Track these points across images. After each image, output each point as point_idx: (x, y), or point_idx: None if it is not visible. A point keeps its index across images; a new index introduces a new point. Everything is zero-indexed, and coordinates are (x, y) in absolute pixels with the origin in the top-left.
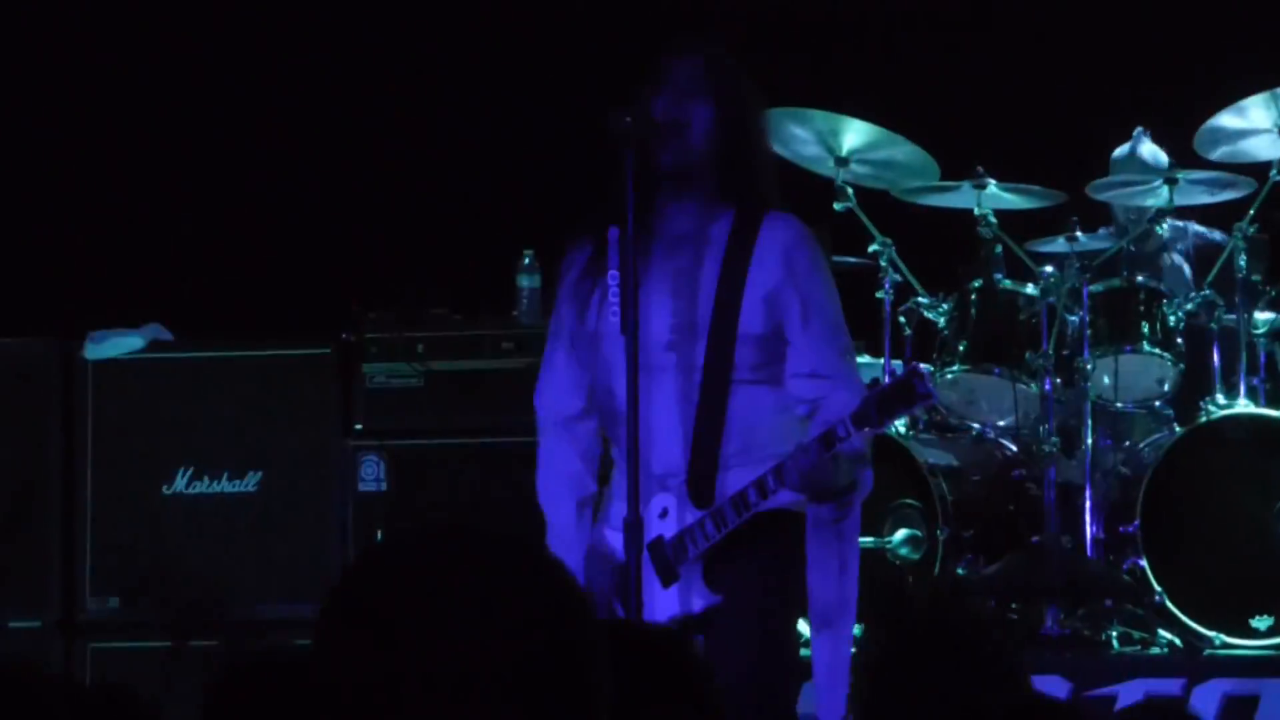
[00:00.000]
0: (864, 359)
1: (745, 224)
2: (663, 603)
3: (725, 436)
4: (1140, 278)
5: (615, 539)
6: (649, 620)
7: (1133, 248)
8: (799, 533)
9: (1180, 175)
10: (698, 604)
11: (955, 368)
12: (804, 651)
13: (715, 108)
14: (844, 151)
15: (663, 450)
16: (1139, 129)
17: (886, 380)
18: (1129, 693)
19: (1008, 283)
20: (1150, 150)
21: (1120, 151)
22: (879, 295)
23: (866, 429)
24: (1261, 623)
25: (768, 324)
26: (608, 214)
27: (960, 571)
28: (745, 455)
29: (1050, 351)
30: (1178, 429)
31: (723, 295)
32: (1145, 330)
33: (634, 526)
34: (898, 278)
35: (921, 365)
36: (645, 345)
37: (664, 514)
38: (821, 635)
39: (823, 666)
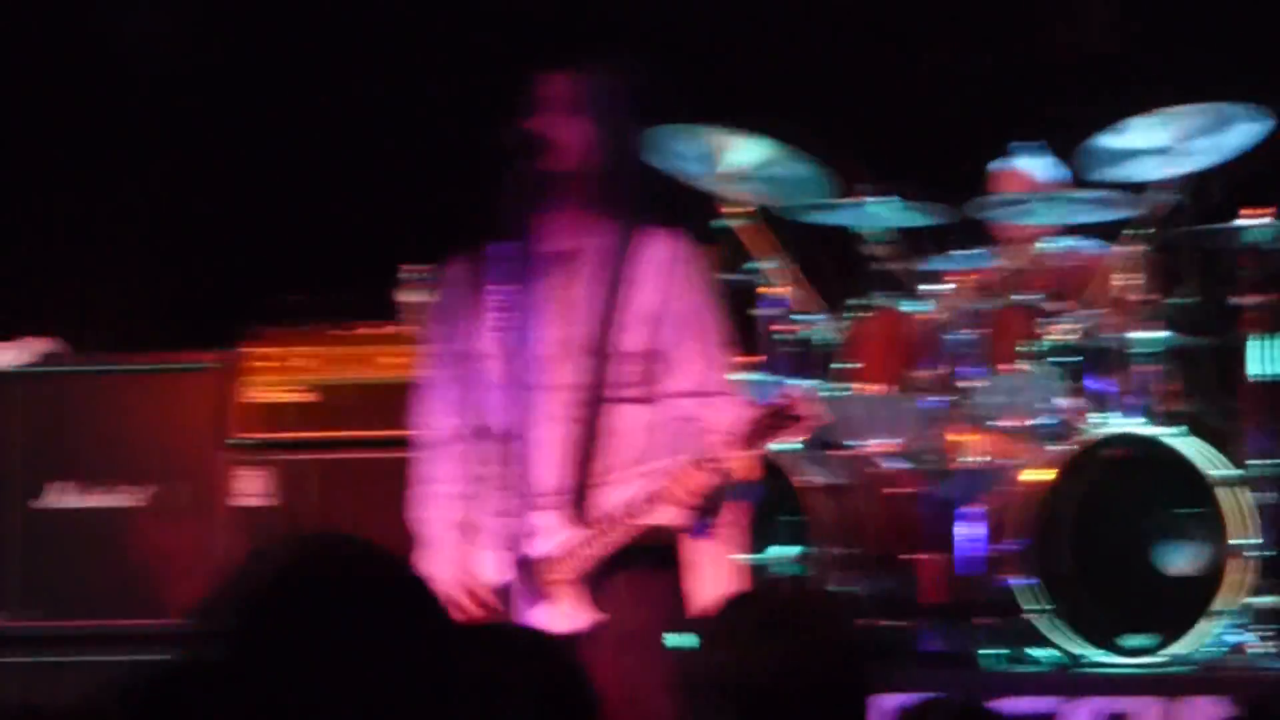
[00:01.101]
0: (750, 376)
1: (623, 240)
2: (542, 621)
3: (603, 454)
4: (1024, 295)
5: (487, 559)
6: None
7: (1017, 265)
8: (676, 548)
9: (1063, 194)
10: (577, 622)
11: (839, 385)
12: None
13: (592, 123)
14: (729, 168)
15: (541, 468)
16: (1013, 144)
17: (769, 401)
18: (1003, 710)
19: (895, 300)
20: (1027, 163)
21: (996, 165)
22: (761, 313)
23: (748, 450)
24: (1135, 641)
25: (647, 341)
26: (483, 230)
27: (838, 589)
28: (624, 473)
29: (933, 369)
30: (1060, 448)
31: (600, 312)
32: (1029, 348)
33: (515, 541)
34: (785, 294)
35: (808, 384)
36: (522, 363)
37: (541, 532)
38: None
39: None
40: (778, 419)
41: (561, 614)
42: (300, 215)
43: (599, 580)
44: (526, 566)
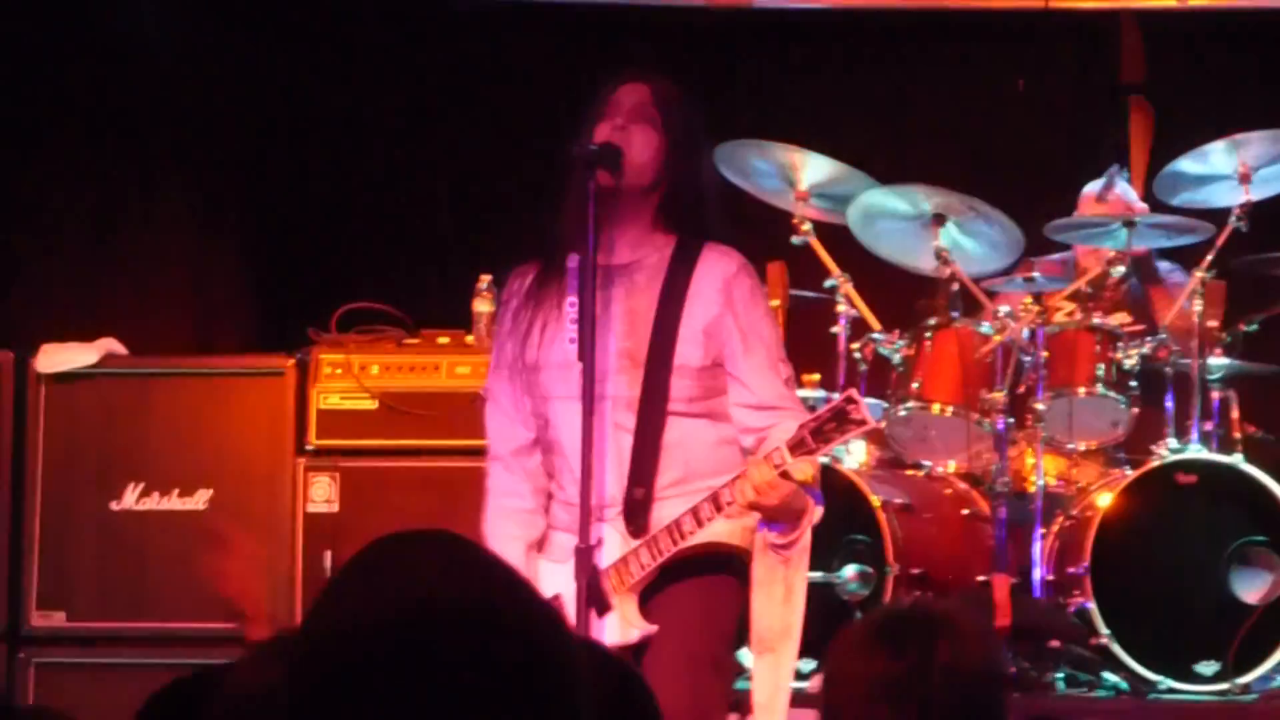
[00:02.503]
0: (819, 394)
1: (684, 254)
2: (598, 633)
3: (661, 468)
4: (1096, 319)
5: (550, 570)
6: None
7: (1089, 289)
8: (736, 564)
9: (1138, 219)
10: (633, 634)
11: (909, 404)
12: (742, 684)
13: (659, 137)
14: (804, 185)
15: (599, 480)
16: (1115, 166)
17: (830, 402)
18: None
19: (963, 321)
20: (1123, 189)
21: (1090, 188)
22: (834, 330)
23: (803, 455)
24: (1207, 668)
25: (706, 355)
26: (551, 240)
27: None
28: (681, 487)
29: (1004, 391)
30: (1129, 472)
31: (660, 326)
32: (1100, 372)
33: (584, 553)
34: (854, 313)
35: (867, 398)
36: (585, 375)
37: (599, 544)
38: (762, 659)
39: (761, 691)
40: (831, 426)
41: (616, 626)
42: (375, 223)
43: (654, 593)
44: (587, 578)
